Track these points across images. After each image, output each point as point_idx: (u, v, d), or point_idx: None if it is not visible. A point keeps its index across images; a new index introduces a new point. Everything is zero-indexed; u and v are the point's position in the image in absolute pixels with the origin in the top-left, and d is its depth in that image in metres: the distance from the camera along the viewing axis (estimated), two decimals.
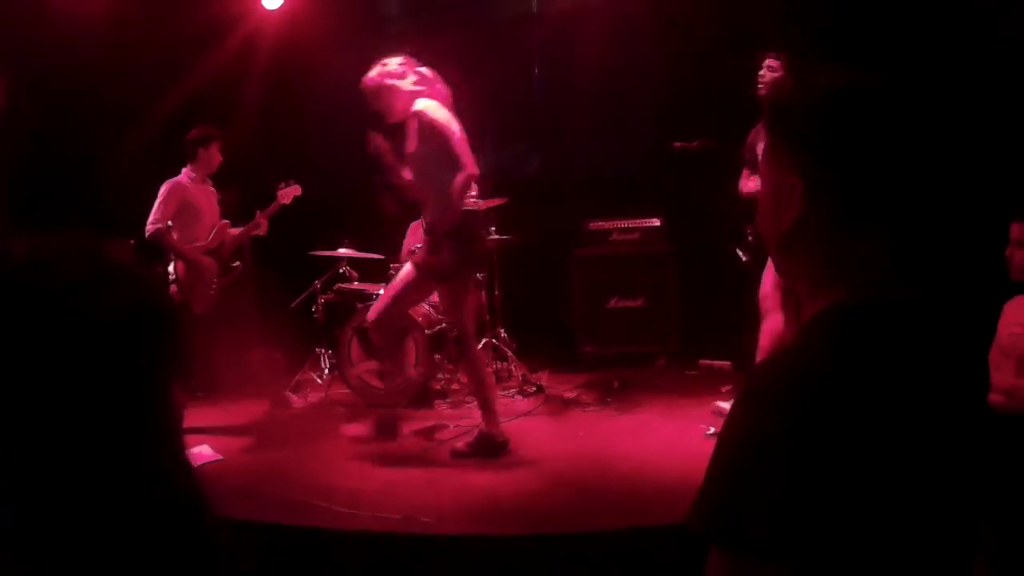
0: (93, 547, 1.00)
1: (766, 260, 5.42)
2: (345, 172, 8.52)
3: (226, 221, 6.63)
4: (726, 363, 7.28)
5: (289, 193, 6.54)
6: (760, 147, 5.17)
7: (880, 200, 1.34)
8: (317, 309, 7.34)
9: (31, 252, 1.04)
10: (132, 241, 6.99)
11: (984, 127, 5.90)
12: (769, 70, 5.30)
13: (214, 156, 6.49)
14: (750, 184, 5.62)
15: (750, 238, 5.69)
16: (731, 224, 5.94)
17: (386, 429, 5.78)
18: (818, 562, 1.18)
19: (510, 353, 7.51)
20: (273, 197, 6.68)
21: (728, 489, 1.23)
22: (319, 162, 8.25)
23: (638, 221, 8.18)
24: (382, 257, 7.52)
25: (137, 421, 1.06)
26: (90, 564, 1.00)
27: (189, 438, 4.14)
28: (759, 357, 5.24)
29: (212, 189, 6.61)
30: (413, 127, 5.34)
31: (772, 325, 5.22)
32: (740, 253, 5.82)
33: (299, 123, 8.64)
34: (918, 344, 1.30)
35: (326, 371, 7.41)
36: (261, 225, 6.69)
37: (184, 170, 6.41)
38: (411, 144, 5.37)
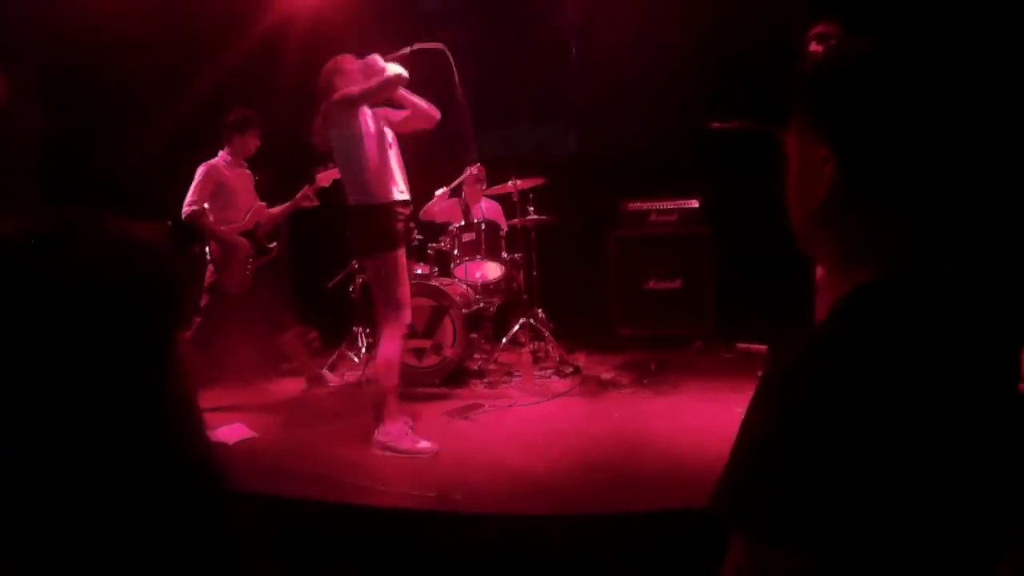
0: (98, 514, 1.01)
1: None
2: None
3: (262, 203, 6.65)
4: (763, 347, 7.22)
5: (328, 176, 6.54)
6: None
7: (913, 175, 1.29)
8: (354, 288, 7.38)
9: (26, 228, 1.06)
10: (169, 223, 7.05)
11: None
12: (818, 41, 5.17)
13: (250, 141, 6.51)
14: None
15: None
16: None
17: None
18: (841, 551, 1.14)
19: (547, 333, 7.50)
20: (311, 180, 6.69)
21: (750, 473, 1.19)
22: None
23: (676, 202, 8.12)
24: (420, 237, 7.53)
25: (138, 391, 1.07)
26: (95, 531, 1.01)
27: (223, 416, 4.18)
28: None
29: (248, 172, 6.62)
30: None
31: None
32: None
33: None
34: (950, 326, 1.25)
35: (363, 349, 7.46)
36: (310, 198, 6.67)
37: (220, 153, 6.43)
38: None
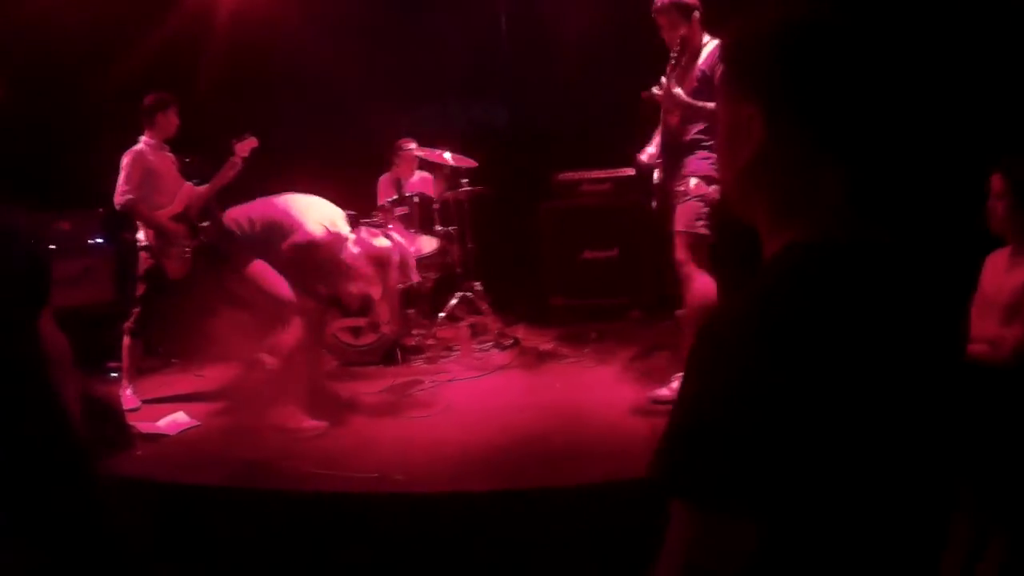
0: None
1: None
2: (312, 129, 8.43)
3: (190, 184, 6.52)
4: None
5: (246, 146, 6.39)
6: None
7: (840, 131, 1.29)
8: None
9: None
10: (101, 210, 6.91)
11: (961, 73, 5.83)
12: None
13: (172, 121, 6.36)
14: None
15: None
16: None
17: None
18: (784, 516, 1.14)
19: (485, 307, 7.47)
20: (231, 152, 6.53)
21: (689, 440, 1.16)
22: (285, 121, 8.15)
23: (610, 172, 8.09)
24: (353, 213, 7.46)
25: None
26: None
27: (165, 406, 4.13)
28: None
29: (171, 155, 6.49)
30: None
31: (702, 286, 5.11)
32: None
33: (262, 83, 8.53)
34: (886, 282, 1.25)
35: None
36: (236, 165, 6.51)
37: (142, 138, 6.27)
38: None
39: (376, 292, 5.46)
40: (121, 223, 6.62)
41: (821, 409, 1.13)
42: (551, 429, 4.89)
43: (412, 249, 7.33)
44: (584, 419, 5.03)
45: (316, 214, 5.31)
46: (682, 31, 5.10)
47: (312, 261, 5.27)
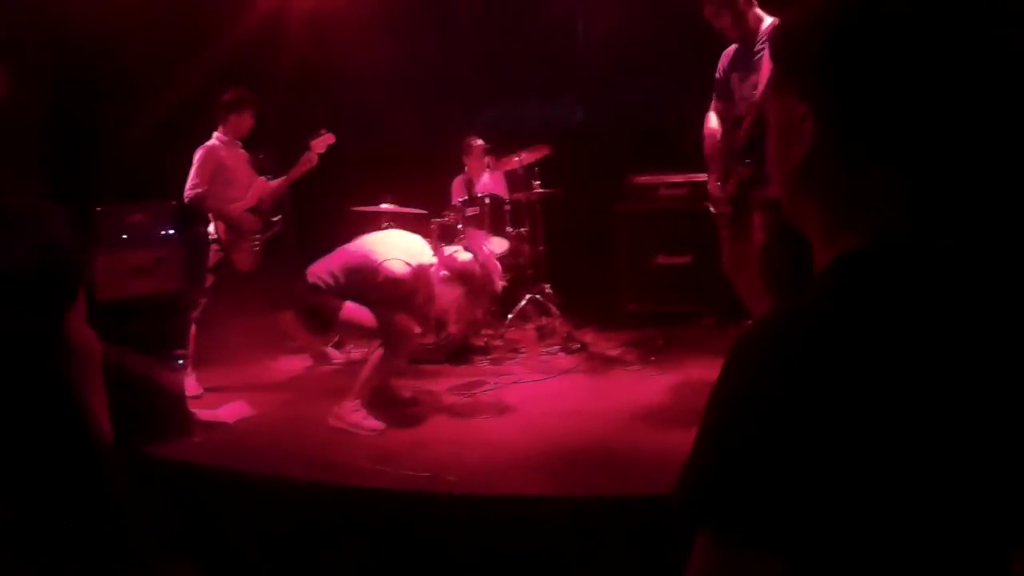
0: None
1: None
2: (386, 125, 8.45)
3: (262, 178, 6.57)
4: None
5: (323, 143, 6.43)
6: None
7: (898, 125, 1.16)
8: None
9: None
10: (173, 203, 7.00)
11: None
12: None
13: (245, 121, 6.42)
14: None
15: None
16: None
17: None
18: (817, 555, 1.02)
19: (554, 309, 7.41)
20: (307, 147, 6.56)
21: (715, 464, 1.07)
22: (360, 116, 8.17)
23: (687, 176, 7.96)
24: (425, 212, 7.44)
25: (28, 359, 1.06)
26: None
27: (226, 395, 4.16)
28: None
29: (243, 152, 6.55)
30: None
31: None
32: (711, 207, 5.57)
33: (335, 78, 8.57)
34: (947, 296, 1.12)
35: None
36: (311, 161, 6.52)
37: (215, 133, 6.36)
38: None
39: (466, 304, 5.45)
40: (193, 216, 6.71)
41: (866, 439, 1.02)
42: (611, 436, 4.79)
43: (487, 250, 7.31)
44: (646, 427, 4.91)
45: (395, 251, 5.32)
46: (727, 19, 4.87)
47: (400, 295, 5.29)
